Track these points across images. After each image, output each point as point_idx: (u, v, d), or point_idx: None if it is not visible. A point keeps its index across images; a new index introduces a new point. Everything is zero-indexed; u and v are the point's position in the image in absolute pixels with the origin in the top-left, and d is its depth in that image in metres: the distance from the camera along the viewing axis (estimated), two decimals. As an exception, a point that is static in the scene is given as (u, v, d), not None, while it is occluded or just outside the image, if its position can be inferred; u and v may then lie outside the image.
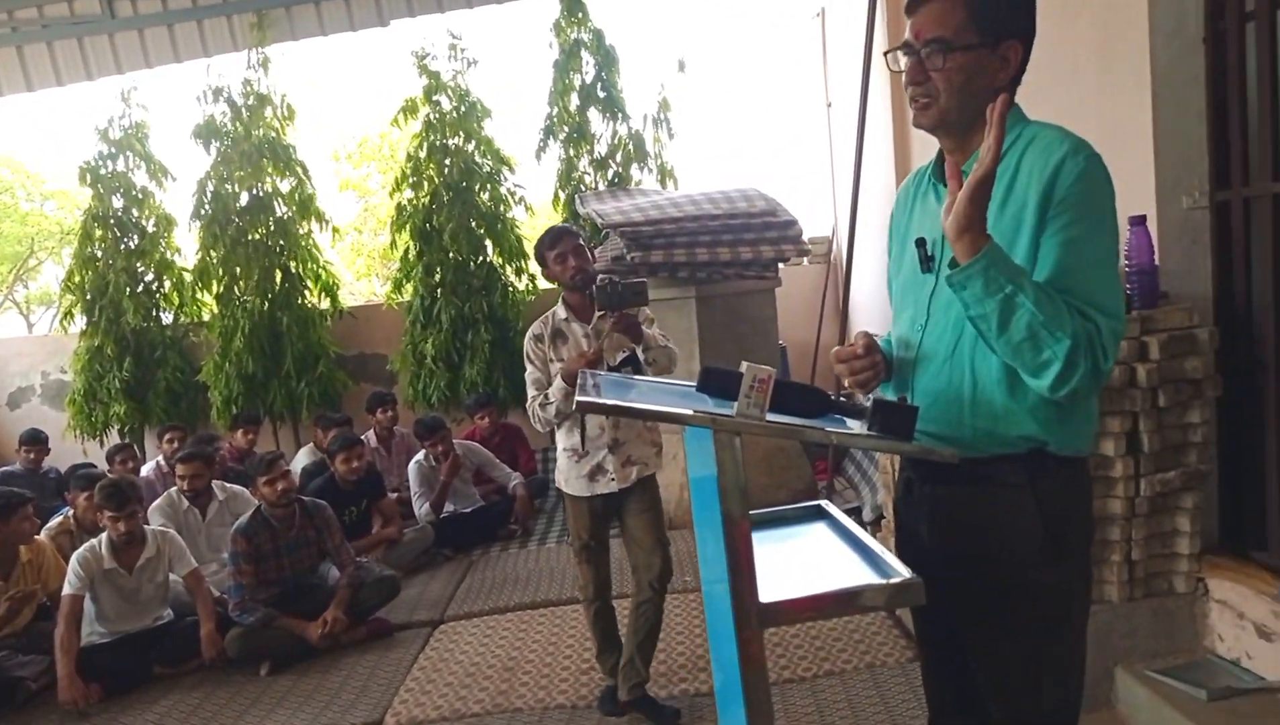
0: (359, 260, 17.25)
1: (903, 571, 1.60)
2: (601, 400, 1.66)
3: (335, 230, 7.11)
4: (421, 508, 5.34)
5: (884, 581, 1.60)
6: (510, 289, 6.91)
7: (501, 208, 6.87)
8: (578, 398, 1.62)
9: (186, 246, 7.14)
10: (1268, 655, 2.53)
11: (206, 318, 7.03)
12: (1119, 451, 2.69)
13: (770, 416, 1.51)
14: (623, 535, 3.16)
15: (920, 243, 1.60)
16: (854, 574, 1.67)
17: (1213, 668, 2.63)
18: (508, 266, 6.92)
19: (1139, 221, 2.76)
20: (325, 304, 7.04)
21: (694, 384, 1.86)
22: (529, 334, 3.14)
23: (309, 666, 3.85)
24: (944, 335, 1.57)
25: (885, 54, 1.58)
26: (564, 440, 3.11)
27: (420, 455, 5.50)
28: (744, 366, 1.51)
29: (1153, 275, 2.79)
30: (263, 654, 3.88)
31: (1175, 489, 2.72)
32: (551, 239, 3.10)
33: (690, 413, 1.54)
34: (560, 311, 3.12)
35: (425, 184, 6.80)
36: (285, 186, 6.84)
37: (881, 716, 2.88)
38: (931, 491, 1.65)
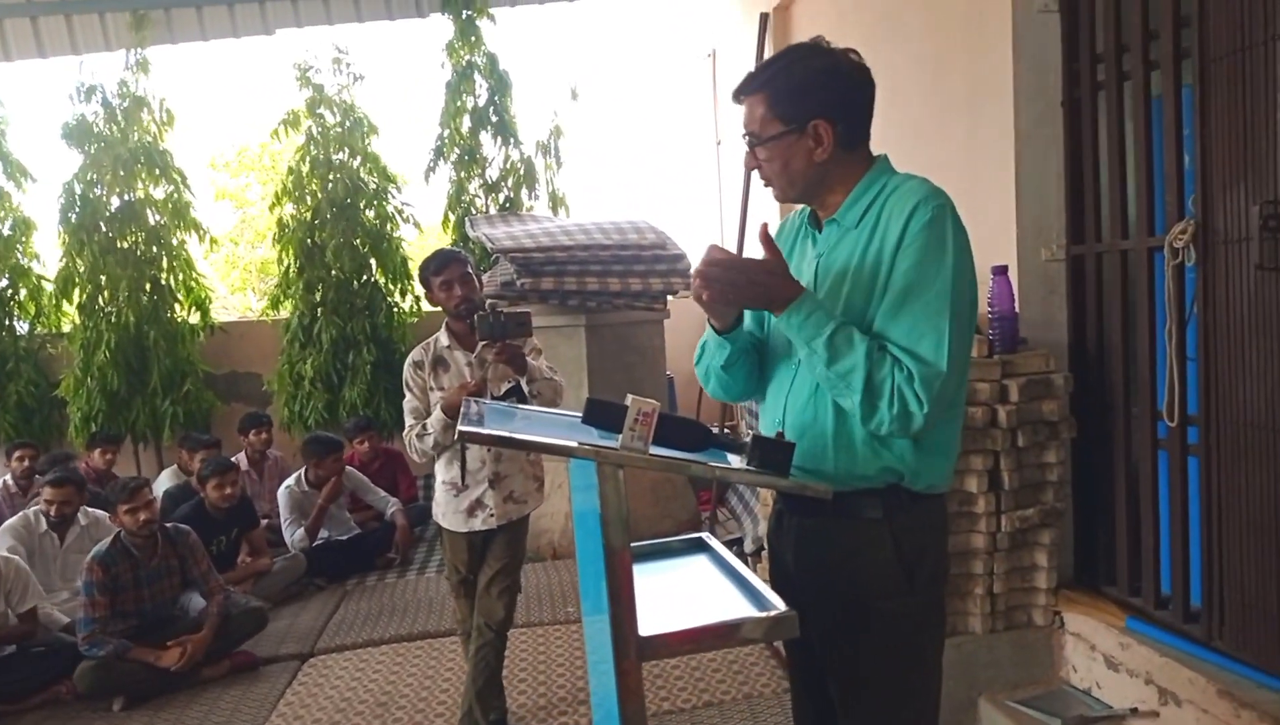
0: (234, 273, 16.59)
1: (779, 604, 1.64)
2: (484, 430, 1.65)
3: (213, 241, 6.82)
4: (295, 533, 5.13)
5: (760, 615, 1.63)
6: (395, 309, 6.77)
7: (388, 226, 6.73)
8: (459, 427, 1.60)
9: (46, 252, 6.74)
10: (1116, 685, 2.69)
11: (67, 329, 6.62)
12: (981, 488, 2.83)
13: (653, 450, 1.54)
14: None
15: None
16: (732, 607, 1.70)
17: (1067, 697, 2.78)
18: (393, 286, 6.78)
19: (1001, 271, 2.93)
20: (196, 318, 6.73)
21: (579, 414, 1.87)
22: (409, 361, 3.05)
23: (167, 701, 3.63)
24: (811, 372, 1.63)
25: (749, 145, 1.67)
26: (443, 473, 3.03)
27: (291, 479, 5.30)
28: (629, 399, 1.53)
29: (1013, 322, 2.95)
30: (116, 688, 3.63)
31: (1034, 525, 2.88)
32: (438, 264, 3.03)
33: (574, 445, 1.54)
34: (443, 338, 3.06)
35: (308, 199, 6.61)
36: (159, 193, 6.53)
37: (756, 746, 2.93)
38: (798, 523, 1.72)
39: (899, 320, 1.51)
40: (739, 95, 1.65)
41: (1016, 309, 2.96)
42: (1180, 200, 2.56)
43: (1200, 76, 2.43)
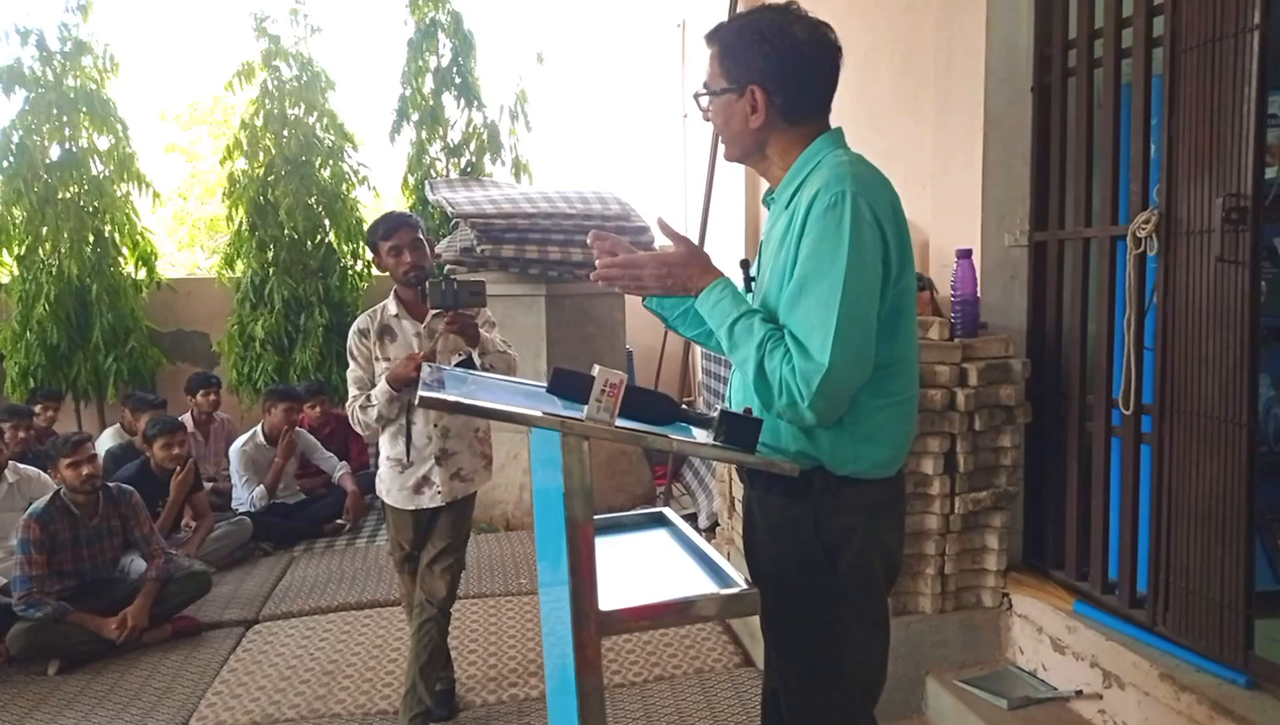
0: (182, 229, 16.15)
1: (739, 581, 1.63)
2: (445, 396, 1.60)
3: (156, 195, 6.59)
4: (254, 491, 5.03)
5: (720, 591, 1.62)
6: (349, 272, 6.64)
7: (344, 186, 6.58)
8: (420, 393, 1.55)
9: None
10: (1061, 667, 2.74)
11: (5, 280, 6.38)
12: (937, 470, 2.85)
13: (619, 422, 1.51)
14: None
15: (744, 264, 1.79)
16: (692, 583, 1.69)
17: (1014, 678, 2.82)
18: (346, 248, 6.64)
19: (965, 254, 2.93)
20: (141, 274, 6.52)
21: (539, 383, 1.84)
22: (354, 328, 2.93)
23: (105, 666, 3.53)
24: None
25: (695, 96, 1.71)
26: (388, 448, 2.93)
27: (243, 438, 5.18)
28: (595, 370, 1.49)
29: (974, 306, 2.95)
30: (52, 652, 3.52)
31: (986, 508, 2.91)
32: (387, 228, 2.89)
33: (539, 414, 1.51)
34: (391, 306, 2.93)
35: (261, 154, 6.43)
36: (104, 144, 6.29)
37: (708, 723, 2.93)
38: (747, 495, 1.77)
39: (795, 311, 1.51)
40: (707, 42, 1.68)
41: (979, 293, 2.97)
42: (1145, 190, 2.57)
43: (1170, 66, 2.44)
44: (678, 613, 1.61)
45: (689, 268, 1.64)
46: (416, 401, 1.54)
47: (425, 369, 1.98)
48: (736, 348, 1.56)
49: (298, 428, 5.41)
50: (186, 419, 5.55)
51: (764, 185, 1.78)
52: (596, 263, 1.71)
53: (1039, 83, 3.01)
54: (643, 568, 1.84)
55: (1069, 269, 2.95)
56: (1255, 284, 2.23)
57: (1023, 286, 3.12)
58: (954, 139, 3.20)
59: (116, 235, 6.32)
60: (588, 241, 1.78)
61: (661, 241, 6.43)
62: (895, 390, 1.61)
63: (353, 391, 2.90)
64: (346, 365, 2.95)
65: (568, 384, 1.61)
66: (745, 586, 1.61)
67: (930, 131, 3.38)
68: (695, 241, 5.40)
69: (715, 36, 1.65)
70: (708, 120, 1.71)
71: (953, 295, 2.94)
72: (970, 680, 2.79)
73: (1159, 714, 2.37)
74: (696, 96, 1.69)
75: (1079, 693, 2.63)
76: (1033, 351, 3.07)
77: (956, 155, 3.18)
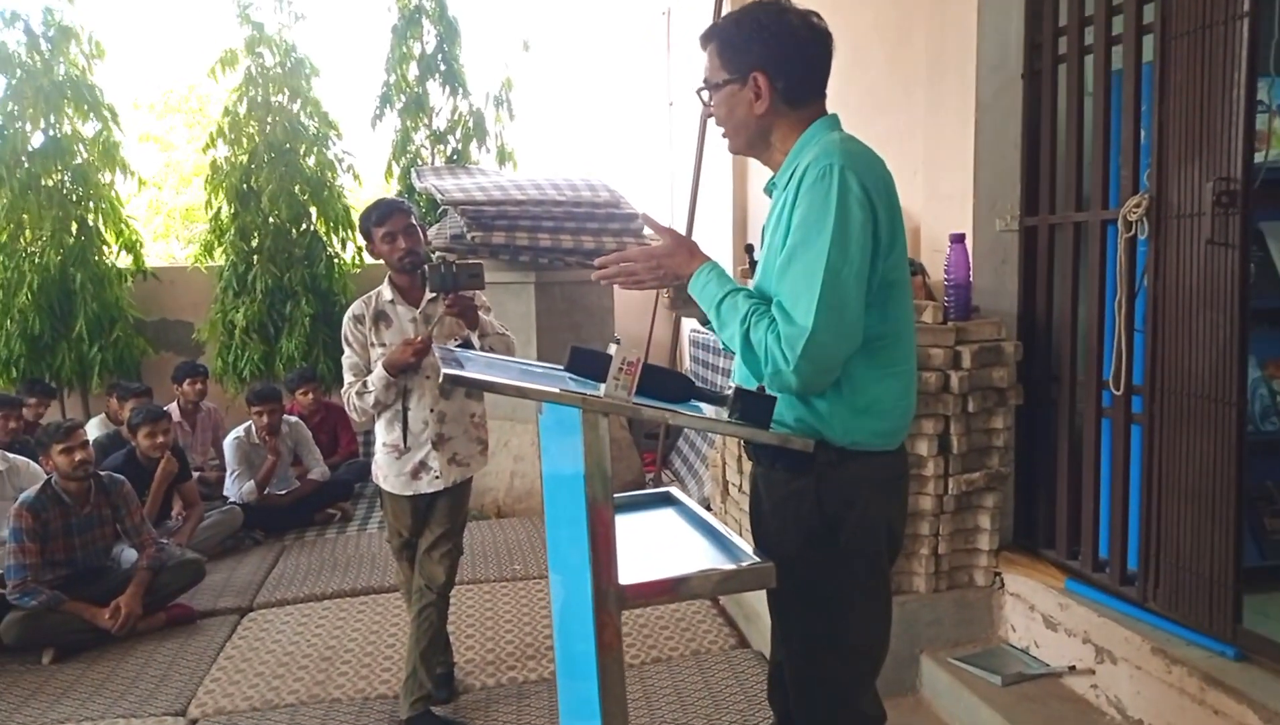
0: (157, 218, 15.97)
1: (751, 555, 1.67)
2: (469, 373, 1.62)
3: (141, 181, 6.53)
4: (244, 487, 5.00)
5: (735, 565, 1.65)
6: (336, 260, 6.61)
7: (328, 174, 6.54)
8: (444, 371, 1.57)
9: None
10: (1053, 644, 2.79)
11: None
12: (931, 452, 2.89)
13: (636, 399, 1.53)
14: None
15: (749, 249, 1.88)
16: (707, 558, 1.72)
17: (1007, 655, 2.88)
18: (333, 236, 6.60)
19: (958, 239, 2.97)
20: (126, 262, 6.46)
21: (542, 363, 1.87)
22: (348, 314, 2.92)
23: (100, 654, 3.52)
24: None
25: (698, 92, 1.77)
26: (384, 435, 2.93)
27: (240, 430, 5.15)
28: (613, 348, 1.52)
29: (967, 290, 3.00)
30: (46, 640, 3.51)
31: (979, 489, 2.96)
32: (380, 215, 2.89)
33: (558, 391, 1.53)
34: (385, 292, 2.94)
35: (244, 141, 6.38)
36: (88, 130, 6.22)
37: (706, 703, 2.97)
38: (754, 472, 1.81)
39: (784, 280, 1.56)
40: (702, 43, 1.74)
41: (971, 278, 3.01)
42: (1135, 175, 2.62)
43: (1161, 53, 2.48)
44: (694, 586, 1.64)
45: (675, 257, 1.73)
46: (440, 380, 1.56)
47: (436, 350, 2.00)
48: (725, 325, 1.63)
49: (293, 418, 5.38)
50: (173, 408, 5.52)
51: (753, 172, 1.83)
52: (595, 263, 1.79)
53: (1029, 69, 3.05)
54: (656, 544, 1.87)
55: (1059, 253, 3.00)
56: (1245, 266, 2.29)
57: (1014, 271, 3.17)
58: (945, 126, 3.24)
59: (101, 223, 6.26)
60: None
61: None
62: (892, 361, 1.65)
63: (348, 378, 2.90)
64: (334, 354, 2.96)
65: (585, 362, 1.63)
66: (757, 560, 1.65)
67: (921, 119, 3.41)
68: (682, 231, 5.46)
69: (712, 33, 1.71)
70: (711, 116, 1.77)
71: (946, 279, 2.98)
72: (964, 658, 2.85)
73: (1151, 687, 2.43)
74: (699, 92, 1.74)
75: (1072, 668, 2.69)
76: (1024, 334, 3.12)
77: (948, 142, 3.22)
